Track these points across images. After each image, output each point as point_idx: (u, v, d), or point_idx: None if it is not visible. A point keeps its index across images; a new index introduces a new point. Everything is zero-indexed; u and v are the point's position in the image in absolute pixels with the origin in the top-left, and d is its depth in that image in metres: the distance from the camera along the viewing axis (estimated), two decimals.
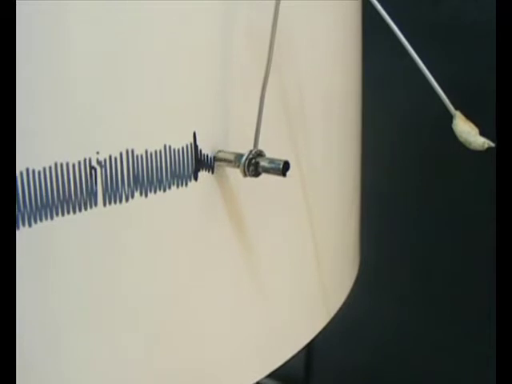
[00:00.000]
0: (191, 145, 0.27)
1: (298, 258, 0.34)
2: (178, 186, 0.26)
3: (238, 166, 0.27)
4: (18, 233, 0.22)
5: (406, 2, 0.58)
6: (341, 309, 0.39)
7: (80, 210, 0.24)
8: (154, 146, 0.25)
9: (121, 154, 0.24)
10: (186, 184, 0.27)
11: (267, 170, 0.28)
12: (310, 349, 0.72)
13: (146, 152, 0.25)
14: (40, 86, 0.22)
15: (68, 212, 0.23)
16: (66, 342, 0.24)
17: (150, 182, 0.25)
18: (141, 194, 0.25)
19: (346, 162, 0.40)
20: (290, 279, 0.34)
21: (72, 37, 0.23)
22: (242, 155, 0.27)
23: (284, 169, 0.27)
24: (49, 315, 0.24)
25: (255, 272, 0.31)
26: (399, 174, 0.64)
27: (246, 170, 0.27)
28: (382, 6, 0.31)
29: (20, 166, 0.22)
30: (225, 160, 0.28)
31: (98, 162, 0.24)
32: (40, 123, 0.22)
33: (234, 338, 0.31)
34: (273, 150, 0.28)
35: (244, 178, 0.28)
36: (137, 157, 0.25)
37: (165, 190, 0.26)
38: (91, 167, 0.24)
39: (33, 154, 0.22)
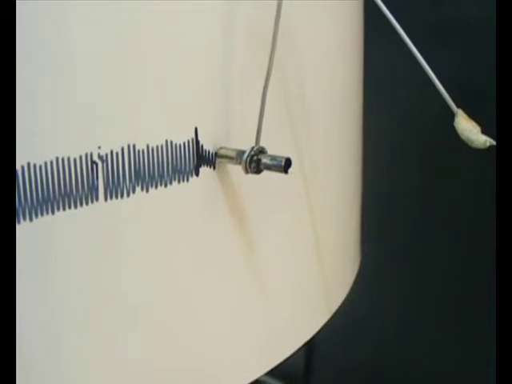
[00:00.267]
0: (193, 140, 0.27)
1: (300, 254, 0.34)
2: (179, 182, 0.26)
3: (240, 163, 0.27)
4: (18, 227, 0.22)
5: (407, 1, 0.58)
6: (341, 307, 0.39)
7: (81, 204, 0.24)
8: (156, 141, 0.25)
9: (122, 149, 0.24)
10: (188, 179, 0.27)
11: (269, 167, 0.28)
12: (310, 347, 0.72)
13: (148, 147, 0.25)
14: (41, 82, 0.22)
15: (69, 207, 0.23)
16: (66, 341, 0.24)
17: (152, 177, 0.25)
18: (142, 189, 0.25)
19: (347, 159, 0.40)
20: (292, 276, 0.34)
21: (72, 37, 0.23)
22: (243, 152, 0.27)
23: (286, 166, 0.27)
24: (49, 313, 0.24)
25: (257, 268, 0.31)
26: (399, 174, 0.64)
27: (247, 166, 0.27)
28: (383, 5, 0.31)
29: (21, 161, 0.22)
30: (226, 157, 0.28)
31: (100, 157, 0.24)
32: (41, 119, 0.22)
33: (235, 335, 0.31)
34: (274, 147, 0.28)
35: (246, 174, 0.28)
36: (138, 152, 0.25)
37: (166, 186, 0.26)
38: (92, 162, 0.24)
39: (34, 148, 0.22)
